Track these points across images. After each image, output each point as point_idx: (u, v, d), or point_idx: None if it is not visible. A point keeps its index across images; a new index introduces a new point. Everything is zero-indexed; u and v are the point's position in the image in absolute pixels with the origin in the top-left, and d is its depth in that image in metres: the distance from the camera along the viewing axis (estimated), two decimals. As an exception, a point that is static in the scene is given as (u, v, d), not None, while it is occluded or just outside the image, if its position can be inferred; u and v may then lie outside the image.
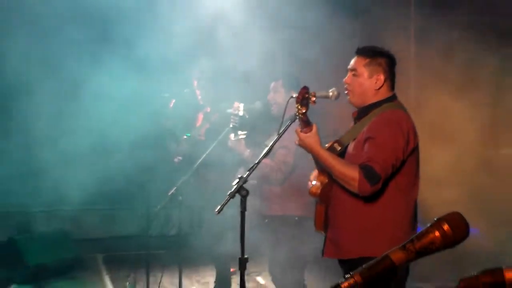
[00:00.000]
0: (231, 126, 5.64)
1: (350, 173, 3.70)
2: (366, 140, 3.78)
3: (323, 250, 4.04)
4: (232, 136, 5.62)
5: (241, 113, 5.60)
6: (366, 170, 3.65)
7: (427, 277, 6.90)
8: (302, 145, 3.83)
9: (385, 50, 4.00)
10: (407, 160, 3.82)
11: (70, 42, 7.97)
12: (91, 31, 7.85)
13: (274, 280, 5.74)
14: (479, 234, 6.46)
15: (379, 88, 3.90)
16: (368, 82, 3.90)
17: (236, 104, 5.65)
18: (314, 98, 3.75)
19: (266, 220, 5.70)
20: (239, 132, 5.58)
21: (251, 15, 6.63)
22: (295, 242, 5.26)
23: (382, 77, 3.90)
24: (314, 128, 3.77)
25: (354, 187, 3.69)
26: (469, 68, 7.37)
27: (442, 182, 6.68)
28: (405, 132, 3.79)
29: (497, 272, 1.30)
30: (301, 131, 3.79)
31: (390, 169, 3.72)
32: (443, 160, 6.70)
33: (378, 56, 3.93)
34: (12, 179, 8.97)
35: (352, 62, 3.96)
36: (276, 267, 5.56)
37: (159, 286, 6.70)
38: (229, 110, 5.75)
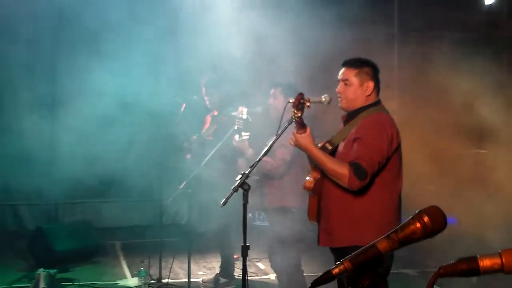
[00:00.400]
0: (235, 128, 5.63)
1: (340, 170, 3.71)
2: (355, 140, 3.79)
3: (318, 239, 4.04)
4: (236, 137, 5.61)
5: (244, 117, 5.58)
6: (355, 167, 3.67)
7: (409, 263, 6.89)
8: (297, 145, 3.83)
9: (369, 60, 4.02)
10: (391, 157, 3.83)
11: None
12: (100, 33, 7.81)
13: (273, 266, 5.73)
14: (456, 223, 6.46)
15: (369, 94, 3.92)
16: (359, 89, 3.92)
17: (240, 108, 5.64)
18: (308, 103, 3.76)
19: (267, 212, 5.70)
20: (243, 133, 5.57)
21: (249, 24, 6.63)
22: (292, 231, 5.25)
23: (371, 84, 3.93)
24: (308, 130, 3.78)
25: (344, 182, 3.70)
26: (444, 78, 7.39)
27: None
28: (389, 132, 3.81)
29: (473, 260, 1.29)
30: (296, 133, 3.80)
31: (376, 166, 3.74)
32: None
33: (365, 65, 3.96)
34: (40, 175, 9.00)
35: (342, 73, 3.97)
36: (275, 254, 5.55)
37: (170, 270, 6.70)
38: (234, 113, 5.75)
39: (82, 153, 8.55)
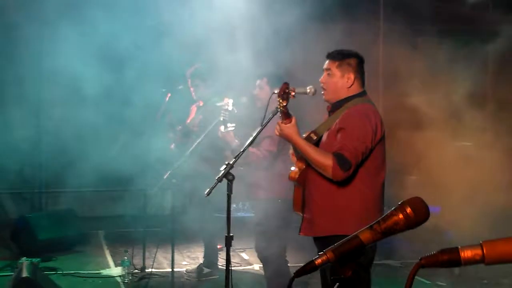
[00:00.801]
0: (221, 119, 5.61)
1: (324, 160, 3.71)
2: (339, 130, 3.79)
3: (300, 229, 4.05)
4: (222, 128, 5.59)
5: (230, 108, 5.56)
6: (339, 158, 3.67)
7: (392, 254, 6.94)
8: (282, 134, 3.83)
9: (352, 51, 4.02)
10: (375, 148, 3.84)
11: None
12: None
13: (259, 256, 5.74)
14: (439, 212, 6.51)
15: (350, 86, 3.93)
16: (341, 81, 3.93)
17: (226, 99, 5.61)
18: (293, 93, 3.77)
19: (253, 202, 5.70)
20: (229, 125, 5.55)
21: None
22: (277, 221, 5.25)
23: (352, 76, 3.93)
24: (293, 120, 3.78)
25: (328, 173, 3.70)
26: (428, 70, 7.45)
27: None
28: (373, 123, 3.82)
29: (454, 251, 1.30)
30: (281, 122, 3.80)
31: (360, 157, 3.74)
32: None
33: (347, 57, 3.96)
34: (25, 164, 8.97)
35: (326, 64, 3.98)
36: (261, 244, 5.56)
37: (153, 260, 6.69)
38: (219, 104, 5.73)
39: (66, 142, 8.52)
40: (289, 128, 3.78)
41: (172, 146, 6.79)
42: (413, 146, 6.89)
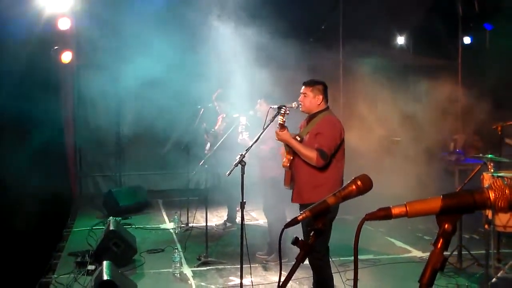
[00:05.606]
0: (239, 131, 5.56)
1: (311, 154, 3.76)
2: (317, 134, 3.84)
3: (292, 198, 4.04)
4: (240, 136, 5.55)
5: (244, 123, 5.54)
6: (320, 152, 3.74)
7: (348, 211, 6.89)
8: (280, 139, 3.89)
9: (320, 80, 4.05)
10: (340, 145, 3.87)
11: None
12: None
13: (266, 216, 5.67)
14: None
15: (319, 103, 3.94)
16: (313, 100, 3.94)
17: (241, 118, 5.58)
18: (288, 112, 3.84)
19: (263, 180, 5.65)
20: (244, 133, 5.52)
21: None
22: (279, 192, 5.18)
23: (321, 97, 3.95)
24: (286, 129, 3.85)
25: (313, 162, 3.76)
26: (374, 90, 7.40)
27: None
28: (338, 129, 3.88)
29: (387, 209, 1.29)
30: (279, 131, 3.85)
31: (332, 151, 3.80)
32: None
33: (317, 84, 3.98)
34: (110, 155, 8.91)
35: (303, 89, 4.01)
36: (267, 208, 5.52)
37: (194, 218, 6.70)
38: (235, 116, 5.68)
39: (138, 143, 8.41)
40: (285, 135, 3.83)
41: (207, 144, 6.75)
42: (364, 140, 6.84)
